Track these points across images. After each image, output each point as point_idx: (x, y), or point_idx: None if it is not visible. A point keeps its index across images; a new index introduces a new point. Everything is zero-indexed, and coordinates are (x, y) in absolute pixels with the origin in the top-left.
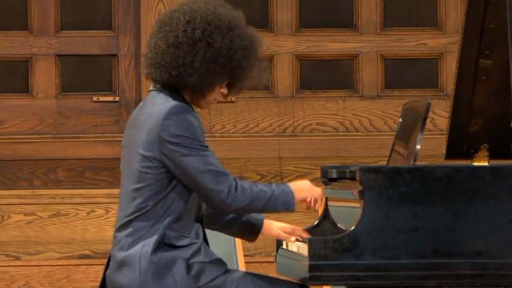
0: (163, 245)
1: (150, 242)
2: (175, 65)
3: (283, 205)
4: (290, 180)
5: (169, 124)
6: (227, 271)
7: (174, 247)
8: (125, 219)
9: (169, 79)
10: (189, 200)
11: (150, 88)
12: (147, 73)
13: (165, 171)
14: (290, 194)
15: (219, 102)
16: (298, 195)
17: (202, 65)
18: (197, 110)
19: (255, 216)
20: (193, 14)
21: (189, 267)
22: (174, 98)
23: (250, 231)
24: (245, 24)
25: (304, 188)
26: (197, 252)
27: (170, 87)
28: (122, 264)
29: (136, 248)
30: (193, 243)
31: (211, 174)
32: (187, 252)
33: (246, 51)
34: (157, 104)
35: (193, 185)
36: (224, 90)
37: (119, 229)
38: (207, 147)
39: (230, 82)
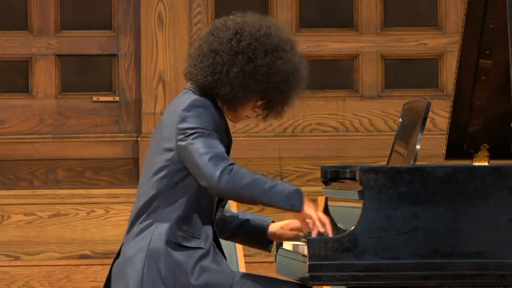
0: (171, 243)
1: (157, 236)
2: (212, 71)
3: (287, 199)
4: (290, 180)
5: (187, 115)
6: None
7: (181, 247)
8: (137, 211)
9: (203, 83)
10: (201, 198)
11: (187, 85)
12: (186, 72)
13: (181, 166)
14: (299, 193)
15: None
16: (309, 207)
17: (238, 77)
18: None
19: (261, 220)
20: (244, 27)
21: (193, 274)
22: (204, 96)
23: (259, 235)
24: (295, 50)
25: (314, 206)
26: (204, 257)
27: (205, 92)
28: (128, 257)
29: (143, 243)
30: (200, 247)
31: (211, 155)
32: (194, 257)
33: (285, 75)
34: (182, 100)
35: (193, 168)
36: (258, 110)
37: (132, 221)
38: (217, 138)
39: (266, 103)
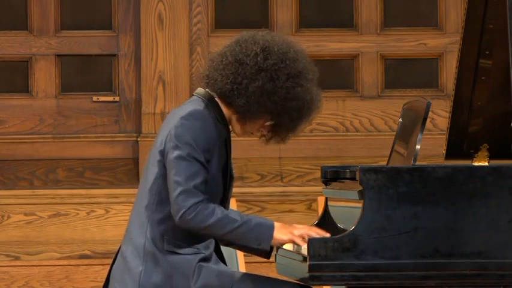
0: (165, 250)
1: (153, 242)
2: (232, 81)
3: (255, 240)
4: (290, 180)
5: (183, 124)
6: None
7: (178, 254)
8: (135, 214)
9: (221, 89)
10: None
11: (194, 92)
12: (205, 76)
13: None
14: (268, 229)
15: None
16: (280, 235)
17: (255, 93)
18: None
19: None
20: (272, 46)
21: (193, 277)
22: (207, 107)
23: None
24: (315, 81)
25: (290, 227)
26: (204, 261)
27: (214, 99)
28: (126, 262)
29: (140, 248)
30: (199, 253)
31: (184, 188)
32: (194, 260)
33: (301, 103)
34: (184, 107)
35: (168, 186)
36: (264, 130)
37: (130, 221)
38: (201, 163)
39: (274, 125)
